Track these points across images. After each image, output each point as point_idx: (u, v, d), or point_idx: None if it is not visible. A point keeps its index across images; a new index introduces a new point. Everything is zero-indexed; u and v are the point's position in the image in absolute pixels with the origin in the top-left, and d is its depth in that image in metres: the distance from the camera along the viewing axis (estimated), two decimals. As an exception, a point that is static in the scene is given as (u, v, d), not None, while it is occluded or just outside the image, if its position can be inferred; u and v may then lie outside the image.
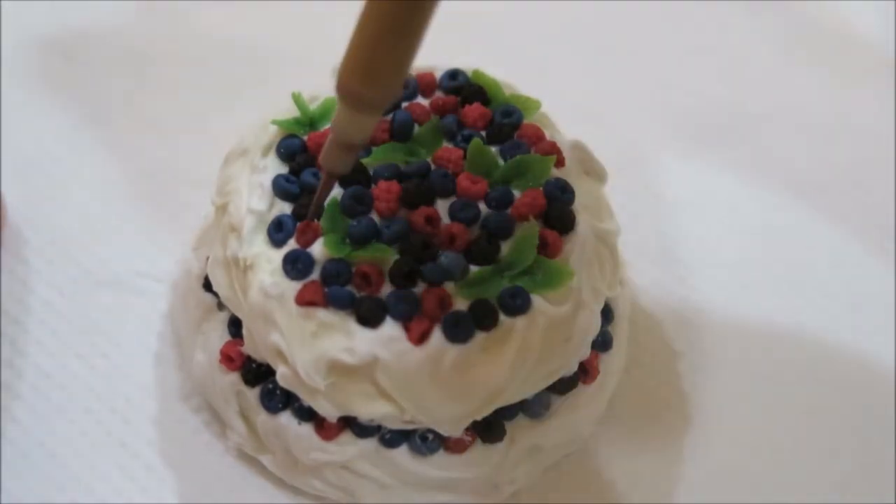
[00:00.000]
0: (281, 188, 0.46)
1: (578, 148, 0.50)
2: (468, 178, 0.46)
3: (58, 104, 0.62)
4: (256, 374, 0.48)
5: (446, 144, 0.48)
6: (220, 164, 0.50)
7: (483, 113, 0.48)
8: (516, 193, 0.46)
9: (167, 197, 0.58)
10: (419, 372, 0.43)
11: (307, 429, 0.47)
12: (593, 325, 0.47)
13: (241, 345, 0.48)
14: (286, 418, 0.47)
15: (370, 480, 0.48)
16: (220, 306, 0.50)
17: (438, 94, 0.50)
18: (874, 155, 0.62)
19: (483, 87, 0.50)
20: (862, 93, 0.65)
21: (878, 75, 0.65)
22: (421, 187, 0.46)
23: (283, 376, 0.45)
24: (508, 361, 0.44)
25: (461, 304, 0.44)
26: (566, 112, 0.51)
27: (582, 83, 0.64)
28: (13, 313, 0.54)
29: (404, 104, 0.49)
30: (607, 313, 0.50)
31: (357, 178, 0.46)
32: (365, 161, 0.47)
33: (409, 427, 0.46)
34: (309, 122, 0.49)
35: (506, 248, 0.45)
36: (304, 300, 0.44)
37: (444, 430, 0.46)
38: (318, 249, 0.44)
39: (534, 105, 0.50)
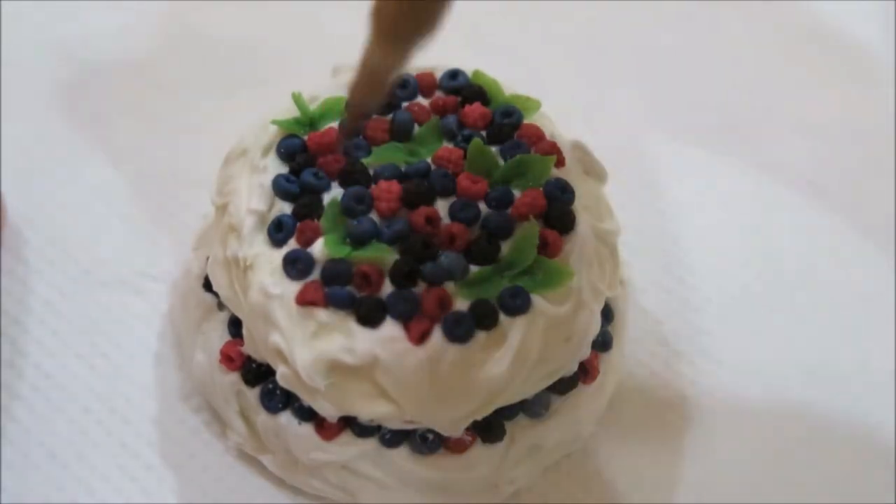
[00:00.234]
0: (281, 188, 0.46)
1: (578, 148, 0.50)
2: (468, 178, 0.46)
3: (58, 105, 0.62)
4: (256, 374, 0.48)
5: (446, 144, 0.48)
6: (220, 164, 0.50)
7: (483, 113, 0.48)
8: (516, 193, 0.46)
9: (167, 197, 0.58)
10: (419, 372, 0.43)
11: (307, 429, 0.47)
12: (593, 325, 0.47)
13: (241, 345, 0.48)
14: (286, 418, 0.47)
15: (370, 480, 0.48)
16: (220, 306, 0.50)
17: (438, 94, 0.50)
18: (874, 155, 0.62)
19: (483, 87, 0.50)
20: (862, 93, 0.65)
21: (878, 75, 0.65)
22: (421, 187, 0.46)
23: (283, 376, 0.45)
24: (508, 361, 0.44)
25: (461, 304, 0.44)
26: (566, 112, 0.51)
27: (582, 83, 0.64)
28: (13, 313, 0.54)
29: (404, 104, 0.49)
30: (607, 313, 0.50)
31: (357, 178, 0.46)
32: (365, 161, 0.47)
33: (409, 427, 0.46)
34: (309, 122, 0.49)
35: (506, 248, 0.45)
36: (304, 300, 0.44)
37: (444, 430, 0.46)
38: (318, 249, 0.44)
39: (534, 105, 0.50)
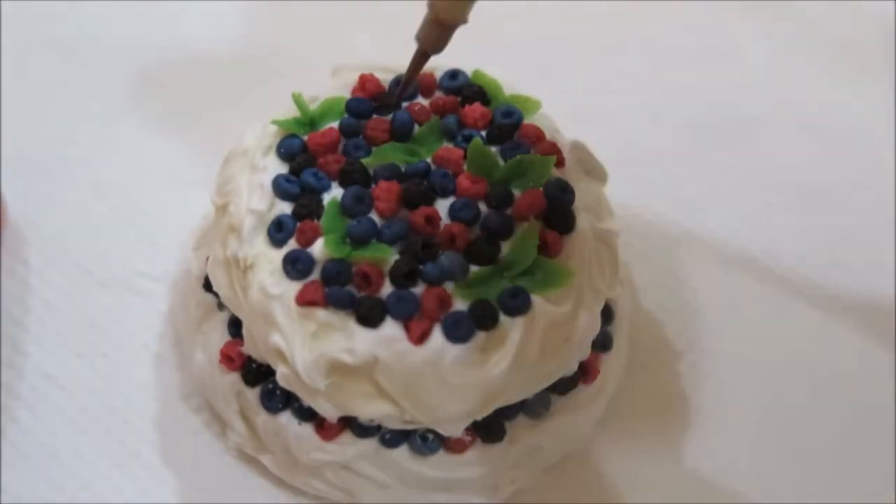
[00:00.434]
0: (281, 188, 0.46)
1: (578, 148, 0.50)
2: (468, 178, 0.46)
3: (58, 104, 0.62)
4: (256, 374, 0.48)
5: (446, 144, 0.48)
6: (220, 164, 0.50)
7: (483, 113, 0.48)
8: (516, 193, 0.46)
9: (167, 197, 0.58)
10: (419, 372, 0.43)
11: (307, 429, 0.47)
12: (593, 325, 0.47)
13: (241, 345, 0.48)
14: (286, 418, 0.47)
15: (370, 480, 0.48)
16: (220, 306, 0.50)
17: (439, 94, 0.50)
18: (874, 155, 0.62)
19: (483, 87, 0.50)
20: (862, 93, 0.65)
21: (878, 75, 0.65)
22: (421, 187, 0.46)
23: (283, 376, 0.45)
24: (508, 361, 0.44)
25: (461, 304, 0.44)
26: (566, 112, 0.51)
27: (582, 83, 0.64)
28: (13, 313, 0.54)
29: (404, 104, 0.49)
30: (607, 313, 0.50)
31: (357, 178, 0.46)
32: (365, 161, 0.47)
33: (409, 427, 0.46)
34: (309, 122, 0.49)
35: (506, 248, 0.45)
36: (304, 300, 0.44)
37: (444, 430, 0.46)
38: (318, 249, 0.44)
39: (534, 105, 0.50)
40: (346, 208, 0.45)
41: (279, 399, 0.47)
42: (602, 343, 0.50)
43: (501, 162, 0.47)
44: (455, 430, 0.46)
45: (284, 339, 0.44)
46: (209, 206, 0.50)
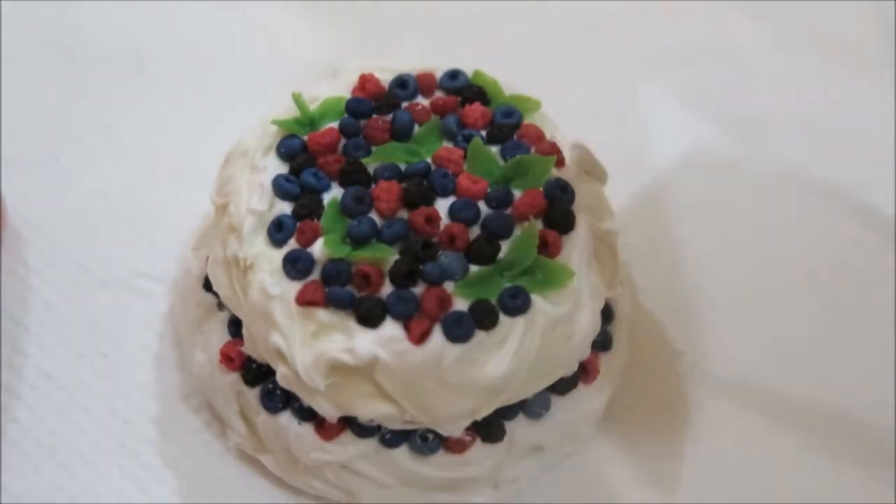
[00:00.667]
0: (281, 188, 0.46)
1: (578, 148, 0.50)
2: (468, 178, 0.46)
3: (58, 104, 0.62)
4: (256, 374, 0.48)
5: (446, 144, 0.48)
6: (220, 164, 0.50)
7: (483, 113, 0.48)
8: (516, 193, 0.46)
9: (167, 197, 0.58)
10: (419, 372, 0.43)
11: (307, 429, 0.47)
12: (593, 325, 0.47)
13: (241, 345, 0.48)
14: (286, 418, 0.47)
15: (370, 480, 0.48)
16: (220, 306, 0.50)
17: (438, 94, 0.50)
18: (874, 155, 0.62)
19: (483, 87, 0.50)
20: (862, 93, 0.65)
21: (878, 75, 0.65)
22: (421, 187, 0.46)
23: (283, 376, 0.45)
24: (508, 361, 0.44)
25: (461, 304, 0.44)
26: (566, 112, 0.51)
27: (582, 83, 0.64)
28: (13, 313, 0.54)
29: (404, 104, 0.49)
30: (607, 313, 0.50)
31: (357, 178, 0.46)
32: (365, 161, 0.47)
33: (409, 427, 0.46)
34: (309, 122, 0.49)
35: (506, 248, 0.45)
36: (304, 300, 0.44)
37: (445, 430, 0.46)
38: (318, 249, 0.44)
39: (534, 105, 0.50)
40: (346, 208, 0.45)
41: (279, 399, 0.47)
42: (602, 343, 0.50)
43: (501, 162, 0.47)
44: (455, 430, 0.46)
45: (284, 339, 0.44)
46: (209, 206, 0.50)
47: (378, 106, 0.49)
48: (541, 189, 0.46)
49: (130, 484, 0.50)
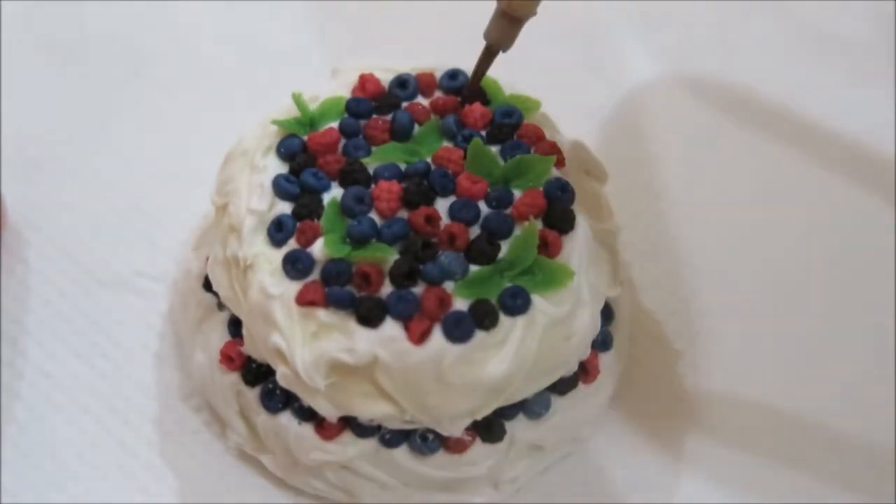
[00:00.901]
0: (281, 188, 0.46)
1: (578, 148, 0.50)
2: (468, 178, 0.46)
3: (58, 104, 0.62)
4: (256, 374, 0.48)
5: (446, 144, 0.48)
6: (220, 164, 0.50)
7: (483, 113, 0.48)
8: (516, 193, 0.46)
9: (167, 197, 0.58)
10: (419, 372, 0.43)
11: (307, 429, 0.47)
12: (593, 325, 0.47)
13: (241, 345, 0.48)
14: (286, 418, 0.47)
15: (370, 480, 0.48)
16: (220, 306, 0.50)
17: (438, 94, 0.50)
18: (874, 154, 0.62)
19: (483, 87, 0.50)
20: (862, 93, 0.65)
21: (877, 75, 0.65)
22: (421, 187, 0.46)
23: (283, 376, 0.45)
24: (508, 361, 0.44)
25: (461, 304, 0.44)
26: (566, 112, 0.51)
27: (582, 83, 0.64)
28: (13, 313, 0.54)
29: (404, 104, 0.49)
30: (607, 313, 0.50)
31: (357, 178, 0.46)
32: (365, 161, 0.47)
33: (409, 427, 0.46)
34: (309, 122, 0.49)
35: (506, 248, 0.45)
36: (304, 300, 0.44)
37: (445, 430, 0.46)
38: (318, 249, 0.44)
39: (534, 105, 0.50)
40: (346, 208, 0.45)
41: (279, 399, 0.47)
42: (602, 343, 0.50)
43: (501, 162, 0.47)
44: (455, 429, 0.46)
45: (284, 339, 0.44)
46: (209, 206, 0.50)
47: (378, 106, 0.49)
48: (541, 189, 0.46)
49: (130, 484, 0.50)
